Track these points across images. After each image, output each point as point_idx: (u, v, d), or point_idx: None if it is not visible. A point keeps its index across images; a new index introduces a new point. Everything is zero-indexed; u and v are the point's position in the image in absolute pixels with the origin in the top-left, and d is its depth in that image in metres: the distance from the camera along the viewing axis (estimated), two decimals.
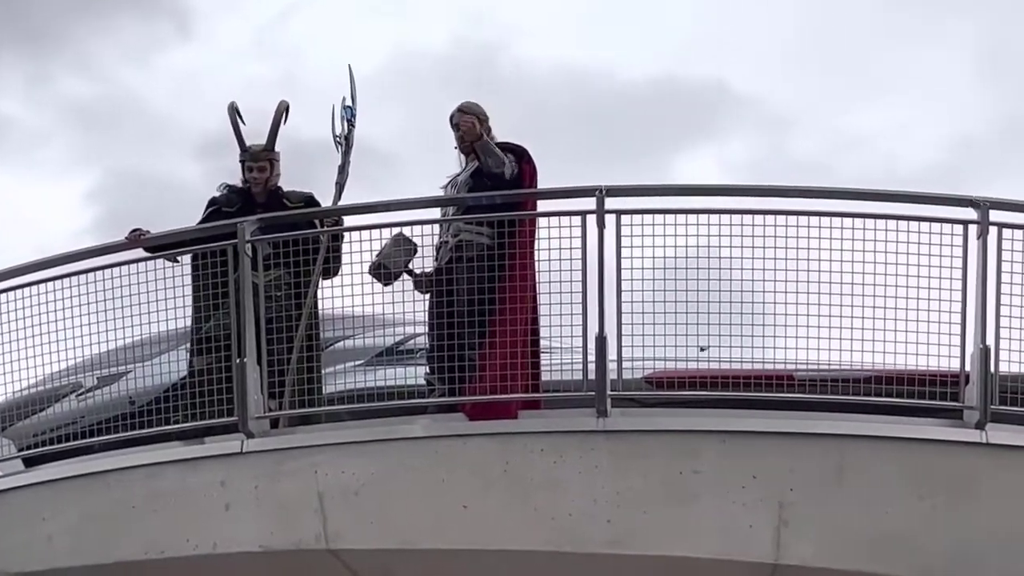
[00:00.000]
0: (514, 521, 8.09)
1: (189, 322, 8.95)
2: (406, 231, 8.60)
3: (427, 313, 8.62)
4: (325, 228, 8.70)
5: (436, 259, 8.64)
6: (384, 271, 8.53)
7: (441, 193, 8.95)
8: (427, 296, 8.65)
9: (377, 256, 8.54)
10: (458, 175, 8.98)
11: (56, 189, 21.89)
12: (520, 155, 8.80)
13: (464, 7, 20.97)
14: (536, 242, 8.40)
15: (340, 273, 8.65)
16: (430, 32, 20.05)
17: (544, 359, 8.59)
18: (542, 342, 8.52)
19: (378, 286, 8.63)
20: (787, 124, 20.84)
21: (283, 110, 9.12)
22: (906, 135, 20.83)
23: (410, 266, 8.61)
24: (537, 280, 8.40)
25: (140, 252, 8.94)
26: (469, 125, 8.81)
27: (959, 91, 20.88)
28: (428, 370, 8.64)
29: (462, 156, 9.00)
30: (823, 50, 20.63)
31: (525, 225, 8.45)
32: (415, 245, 8.59)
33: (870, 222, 8.25)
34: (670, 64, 21.40)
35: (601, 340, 8.19)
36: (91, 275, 8.86)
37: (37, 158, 21.10)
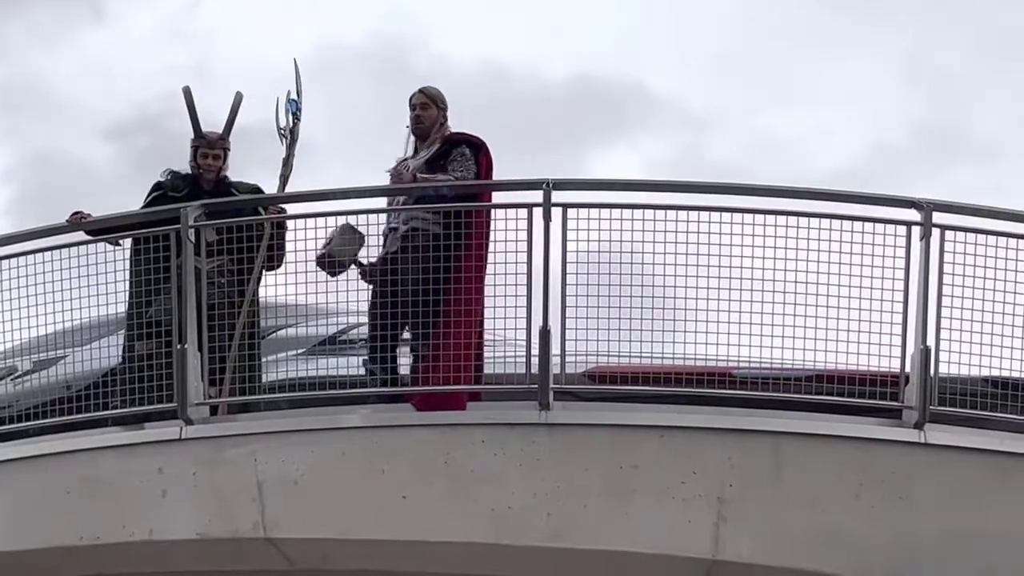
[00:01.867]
0: (454, 513, 8.04)
1: (126, 307, 8.82)
2: (352, 220, 8.52)
3: (369, 301, 8.52)
4: (269, 215, 8.61)
5: (384, 246, 8.54)
6: (331, 261, 8.45)
7: (386, 175, 8.85)
8: (371, 284, 8.56)
9: (323, 247, 8.45)
10: (406, 159, 8.87)
11: None
12: (478, 147, 8.72)
13: (382, 1, 20.89)
14: (492, 233, 8.34)
15: (284, 262, 8.56)
16: (348, 24, 19.97)
17: (488, 352, 8.55)
18: (486, 334, 8.46)
19: (321, 275, 8.54)
20: (704, 125, 20.91)
21: (240, 102, 9.03)
22: (824, 140, 20.94)
23: (357, 256, 8.52)
24: (483, 271, 8.34)
25: (81, 235, 8.80)
26: (430, 115, 8.72)
27: (878, 97, 21.01)
28: (368, 359, 8.55)
29: (412, 138, 8.89)
30: (742, 53, 20.72)
31: (481, 216, 8.39)
32: (362, 235, 8.51)
33: (815, 220, 8.24)
34: (589, 64, 21.41)
35: (544, 333, 8.15)
36: (30, 257, 8.72)
37: None
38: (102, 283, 8.69)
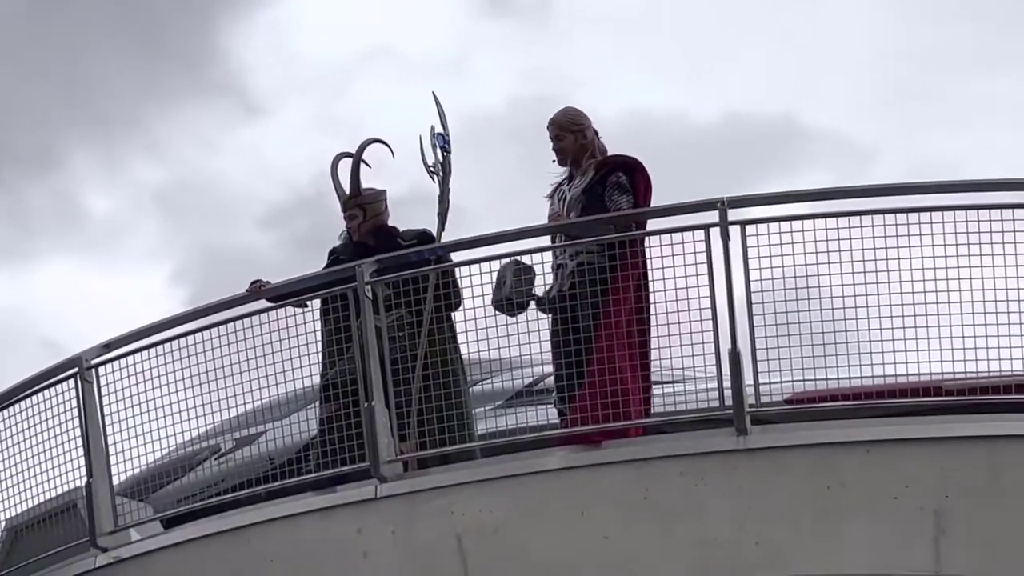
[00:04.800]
0: (658, 549, 7.58)
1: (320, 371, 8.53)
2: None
3: (550, 342, 8.08)
4: (434, 265, 8.24)
5: (557, 281, 8.10)
6: (509, 302, 8.03)
7: (545, 200, 8.43)
8: (549, 325, 8.13)
9: (497, 290, 8.04)
10: (563, 184, 8.44)
11: (141, 275, 21.97)
12: (634, 168, 8.26)
13: (521, 66, 20.65)
14: (649, 261, 7.87)
15: (461, 300, 8.16)
16: (488, 94, 19.73)
17: (671, 383, 8.07)
18: (664, 363, 7.97)
19: (508, 318, 8.11)
20: (864, 155, 20.03)
21: (362, 151, 8.69)
22: (989, 158, 19.90)
23: (533, 292, 8.10)
24: (652, 300, 7.86)
25: (264, 303, 8.54)
26: (567, 144, 8.30)
27: None
28: (558, 400, 8.13)
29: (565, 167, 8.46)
30: (896, 79, 19.85)
31: (635, 245, 7.93)
32: (531, 267, 8.08)
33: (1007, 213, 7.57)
34: (739, 103, 20.71)
35: (735, 355, 7.63)
36: (215, 331, 8.48)
37: (118, 246, 21.31)
38: (294, 347, 8.39)
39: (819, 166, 20.10)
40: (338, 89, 21.01)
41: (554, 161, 8.42)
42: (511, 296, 7.96)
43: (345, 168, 8.83)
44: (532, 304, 8.06)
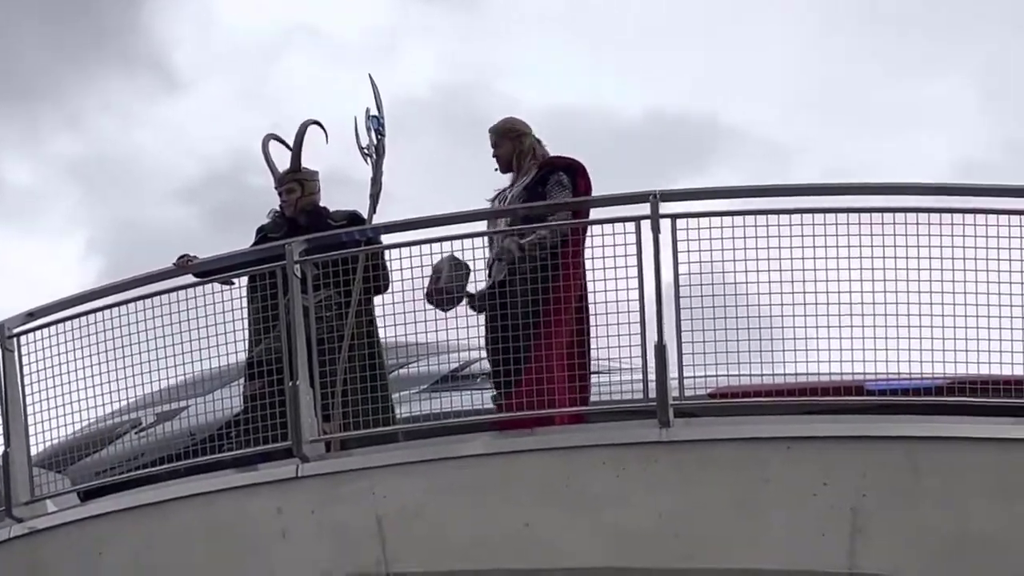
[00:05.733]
0: (578, 538, 7.58)
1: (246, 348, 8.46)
2: (457, 252, 8.08)
3: (484, 330, 8.07)
4: (364, 247, 8.20)
5: (490, 275, 8.10)
6: (444, 297, 8.00)
7: (487, 203, 8.44)
8: (483, 315, 8.11)
9: (431, 283, 8.02)
10: (506, 189, 8.46)
11: (56, 246, 21.77)
12: (576, 171, 8.28)
13: (447, 51, 20.65)
14: (583, 251, 7.88)
15: (390, 282, 8.13)
16: (413, 80, 19.71)
17: (596, 374, 8.08)
18: (594, 354, 7.98)
19: (439, 312, 8.09)
20: (786, 156, 20.18)
21: (304, 129, 8.68)
22: (910, 163, 20.09)
23: (467, 288, 8.08)
24: (586, 291, 7.87)
25: (190, 278, 8.47)
26: (505, 151, 8.33)
27: (959, 119, 20.17)
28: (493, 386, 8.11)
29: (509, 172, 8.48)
30: (819, 82, 20.02)
31: (577, 235, 7.93)
32: (468, 265, 8.06)
33: (946, 219, 7.61)
34: (663, 100, 20.79)
35: (661, 348, 7.65)
36: (140, 304, 8.39)
37: (35, 217, 21.20)
38: (219, 323, 8.32)
39: (739, 165, 20.24)
40: (262, 67, 20.94)
41: (496, 169, 8.44)
42: (445, 290, 7.94)
43: (276, 148, 8.81)
44: (464, 300, 8.05)
